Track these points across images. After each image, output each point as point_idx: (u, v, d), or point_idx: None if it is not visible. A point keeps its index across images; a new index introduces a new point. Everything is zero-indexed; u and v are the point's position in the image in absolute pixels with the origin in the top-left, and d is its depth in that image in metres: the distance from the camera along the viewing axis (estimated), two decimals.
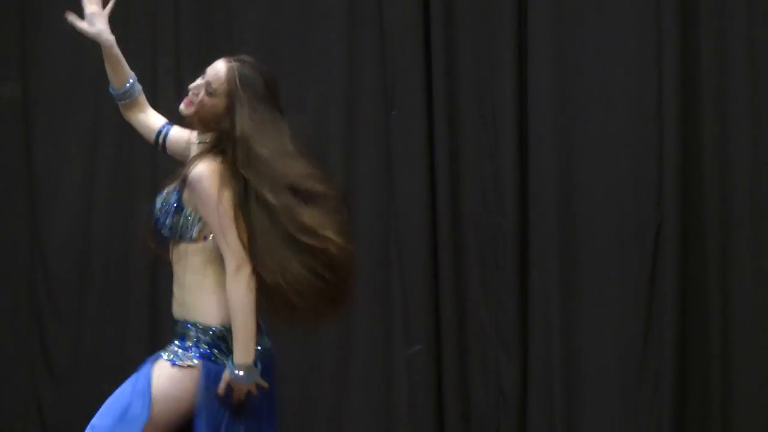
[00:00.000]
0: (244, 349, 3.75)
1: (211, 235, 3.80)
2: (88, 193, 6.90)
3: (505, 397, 6.34)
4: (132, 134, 6.33)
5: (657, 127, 6.26)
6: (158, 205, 3.90)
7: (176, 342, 3.86)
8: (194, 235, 3.81)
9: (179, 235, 3.83)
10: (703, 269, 6.26)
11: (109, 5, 4.00)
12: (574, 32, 6.40)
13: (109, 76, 4.06)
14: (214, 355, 3.81)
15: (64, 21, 7.02)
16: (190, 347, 3.83)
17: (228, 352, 3.80)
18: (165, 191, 3.91)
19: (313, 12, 6.62)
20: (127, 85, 4.06)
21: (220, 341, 3.83)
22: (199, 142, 3.91)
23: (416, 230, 6.51)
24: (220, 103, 3.84)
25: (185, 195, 3.84)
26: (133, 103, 4.12)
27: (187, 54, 6.90)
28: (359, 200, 6.60)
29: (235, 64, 3.84)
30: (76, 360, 6.85)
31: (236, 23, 6.69)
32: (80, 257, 6.91)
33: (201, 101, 3.87)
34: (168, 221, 3.84)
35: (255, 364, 3.77)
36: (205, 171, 3.77)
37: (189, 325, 3.86)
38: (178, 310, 3.92)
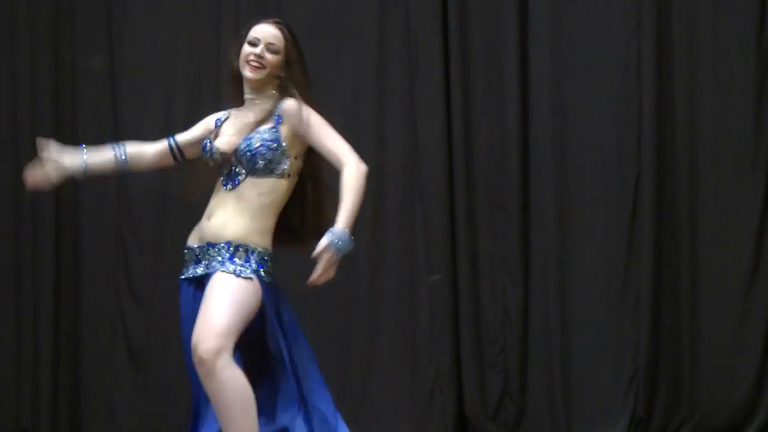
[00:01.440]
0: (350, 221, 3.97)
1: (289, 173, 4.08)
2: None
3: (510, 316, 6.79)
4: (202, 95, 7.00)
5: (637, 92, 6.64)
6: (255, 142, 4.09)
7: (230, 259, 4.02)
8: (285, 169, 4.08)
9: (270, 169, 4.08)
10: (675, 209, 6.66)
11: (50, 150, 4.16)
12: (568, 10, 6.72)
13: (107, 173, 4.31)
14: (261, 271, 4.03)
15: (143, 2, 7.31)
16: (244, 264, 4.02)
17: (267, 271, 4.04)
18: (255, 132, 4.10)
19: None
20: (120, 163, 4.28)
21: (263, 262, 4.07)
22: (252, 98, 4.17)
23: (436, 179, 6.88)
24: (281, 57, 4.16)
25: (284, 130, 4.10)
26: (134, 164, 4.30)
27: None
28: (388, 154, 6.95)
29: (281, 25, 4.18)
30: (156, 287, 7.19)
31: (287, 8, 6.92)
32: (158, 201, 7.23)
33: (269, 62, 4.14)
34: (268, 155, 4.06)
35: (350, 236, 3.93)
36: (298, 102, 4.11)
37: (240, 247, 4.03)
38: (220, 233, 4.05)
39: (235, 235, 4.05)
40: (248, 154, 4.08)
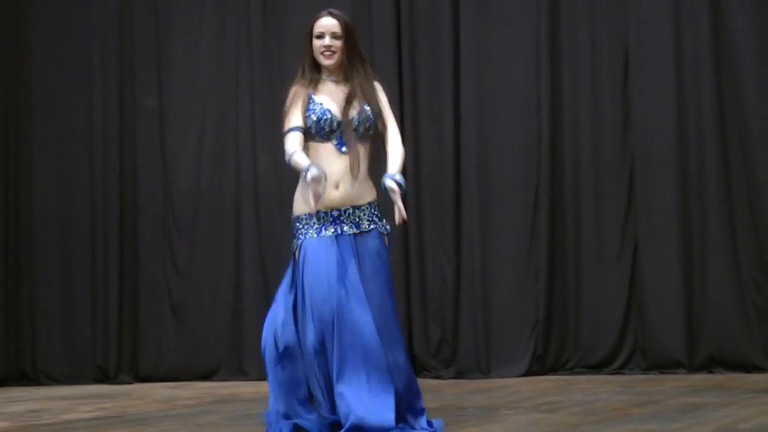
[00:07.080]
0: (401, 165, 4.22)
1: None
2: (198, 160, 7.97)
3: (446, 283, 7.74)
4: (226, 125, 7.79)
5: (537, 125, 7.63)
6: (356, 113, 4.30)
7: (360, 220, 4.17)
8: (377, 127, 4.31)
9: (364, 130, 4.31)
10: (563, 207, 7.58)
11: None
12: (489, 67, 7.71)
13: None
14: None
15: (185, 51, 8.10)
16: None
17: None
18: (358, 105, 4.27)
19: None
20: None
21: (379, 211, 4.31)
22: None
23: None
24: (343, 41, 4.33)
25: (374, 103, 4.31)
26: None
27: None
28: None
29: (336, 15, 4.33)
30: (192, 262, 8.00)
31: (288, 63, 7.67)
32: (192, 198, 7.99)
33: (338, 47, 4.32)
34: (373, 123, 4.29)
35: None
36: (379, 81, 4.45)
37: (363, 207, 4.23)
38: (348, 198, 4.23)
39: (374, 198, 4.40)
40: (366, 122, 4.32)
